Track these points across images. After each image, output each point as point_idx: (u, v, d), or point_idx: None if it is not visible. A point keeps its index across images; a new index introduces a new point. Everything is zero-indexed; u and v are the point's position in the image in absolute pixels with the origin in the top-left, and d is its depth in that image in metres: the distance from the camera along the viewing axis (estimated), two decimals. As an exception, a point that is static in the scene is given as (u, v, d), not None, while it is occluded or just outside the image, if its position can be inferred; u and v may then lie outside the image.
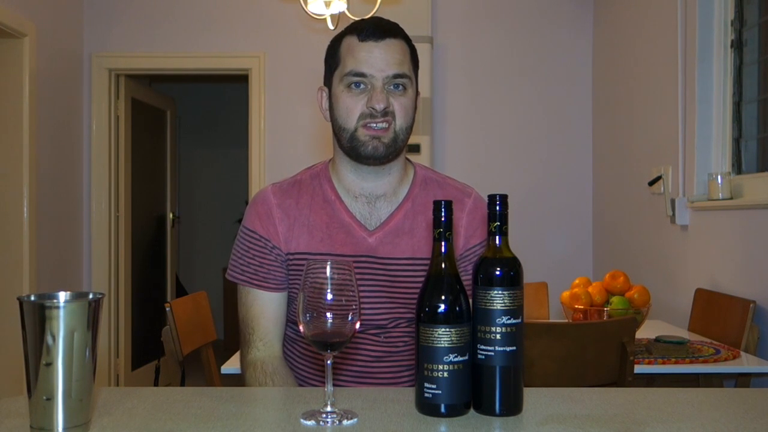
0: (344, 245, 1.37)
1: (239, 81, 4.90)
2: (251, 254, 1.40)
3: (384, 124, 1.32)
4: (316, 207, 1.40)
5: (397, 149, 1.36)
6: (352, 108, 1.33)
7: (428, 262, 1.02)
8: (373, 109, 1.31)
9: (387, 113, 1.32)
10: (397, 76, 1.33)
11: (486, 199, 1.02)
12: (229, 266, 1.45)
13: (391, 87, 1.33)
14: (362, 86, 1.33)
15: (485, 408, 0.98)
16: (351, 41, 1.36)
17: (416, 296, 1.00)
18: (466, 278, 1.16)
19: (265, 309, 1.40)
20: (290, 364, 1.46)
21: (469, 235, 1.43)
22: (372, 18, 1.41)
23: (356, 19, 1.47)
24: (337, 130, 1.38)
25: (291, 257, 1.38)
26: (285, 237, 1.39)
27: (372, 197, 1.40)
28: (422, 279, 1.01)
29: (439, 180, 1.48)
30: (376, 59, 1.32)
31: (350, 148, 1.35)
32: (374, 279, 1.36)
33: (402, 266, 1.37)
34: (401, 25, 1.40)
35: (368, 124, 1.32)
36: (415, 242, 1.38)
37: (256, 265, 1.39)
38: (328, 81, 1.41)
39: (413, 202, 1.42)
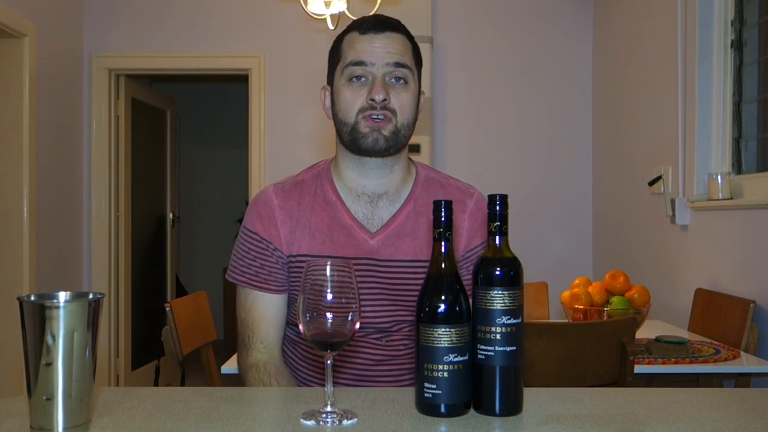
0: (345, 247, 1.36)
1: (239, 81, 4.90)
2: (252, 256, 1.39)
3: (383, 116, 1.32)
4: (317, 208, 1.39)
5: (398, 144, 1.35)
6: (352, 102, 1.33)
7: (430, 263, 1.02)
8: (372, 101, 1.31)
9: (386, 108, 1.32)
10: (397, 65, 1.33)
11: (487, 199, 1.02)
12: (229, 267, 1.44)
13: (392, 80, 1.33)
14: (362, 79, 1.33)
15: (485, 408, 0.98)
16: (352, 36, 1.36)
17: (418, 298, 1.00)
18: (469, 279, 1.16)
19: (266, 311, 1.39)
20: (291, 366, 1.45)
21: (471, 236, 1.42)
22: (374, 15, 1.42)
23: (356, 18, 1.47)
24: (339, 125, 1.37)
25: (293, 259, 1.37)
26: (287, 239, 1.38)
27: (374, 196, 1.39)
28: (424, 281, 1.01)
29: (442, 180, 1.47)
30: (376, 49, 1.33)
31: (351, 141, 1.35)
32: (376, 281, 1.35)
33: (404, 268, 1.36)
34: (401, 25, 1.40)
35: (369, 116, 1.32)
36: (417, 244, 1.37)
37: (257, 266, 1.38)
38: (330, 78, 1.41)
39: (415, 203, 1.41)
